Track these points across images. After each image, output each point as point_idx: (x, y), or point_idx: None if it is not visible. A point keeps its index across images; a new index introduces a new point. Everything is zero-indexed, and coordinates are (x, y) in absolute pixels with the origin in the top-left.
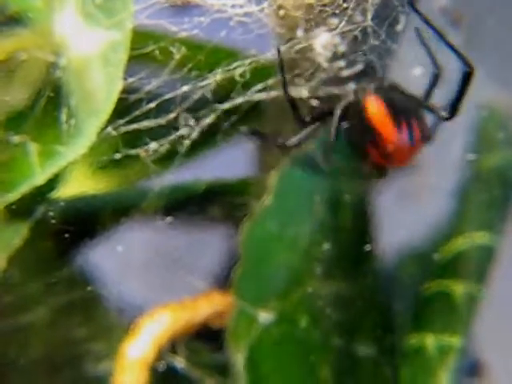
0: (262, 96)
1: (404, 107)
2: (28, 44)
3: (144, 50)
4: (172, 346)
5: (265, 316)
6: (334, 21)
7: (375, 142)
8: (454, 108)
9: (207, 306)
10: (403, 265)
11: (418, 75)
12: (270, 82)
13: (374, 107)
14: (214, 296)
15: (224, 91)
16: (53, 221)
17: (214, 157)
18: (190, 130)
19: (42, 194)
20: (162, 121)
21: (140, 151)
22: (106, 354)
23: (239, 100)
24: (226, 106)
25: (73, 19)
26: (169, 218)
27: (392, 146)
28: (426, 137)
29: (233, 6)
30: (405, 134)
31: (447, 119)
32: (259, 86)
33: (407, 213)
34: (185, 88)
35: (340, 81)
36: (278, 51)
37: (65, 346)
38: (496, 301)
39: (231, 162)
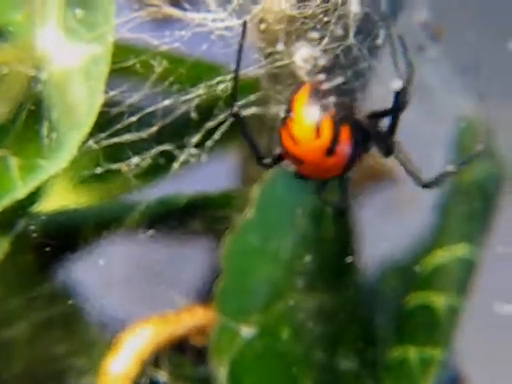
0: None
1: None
2: (9, 58)
3: (125, 63)
4: (155, 359)
5: (247, 330)
6: (315, 34)
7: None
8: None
9: (189, 319)
10: (385, 277)
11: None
12: (252, 97)
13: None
14: (196, 310)
15: (206, 106)
16: (34, 234)
17: (196, 170)
18: (172, 145)
19: (23, 207)
20: (143, 134)
21: (122, 166)
22: (87, 370)
23: (221, 116)
24: (210, 124)
25: (54, 33)
26: (151, 232)
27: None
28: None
29: (214, 20)
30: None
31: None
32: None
33: (389, 226)
34: (166, 102)
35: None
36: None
37: (46, 361)
38: (477, 313)
39: (213, 175)
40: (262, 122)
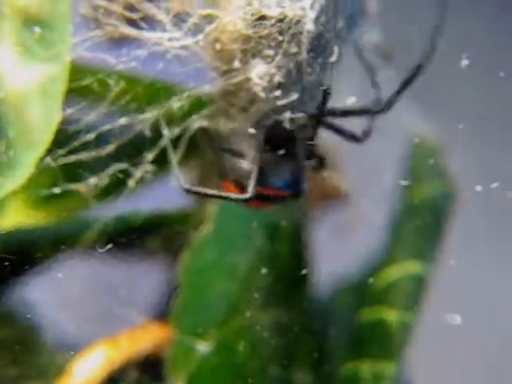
0: (196, 125)
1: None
2: None
3: (82, 82)
4: (112, 377)
5: (203, 345)
6: (270, 52)
7: None
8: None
9: (145, 338)
10: (339, 292)
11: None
12: (204, 112)
13: None
14: (151, 328)
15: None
16: None
17: (152, 187)
18: (128, 162)
19: None
20: (101, 152)
21: (80, 186)
22: None
23: (176, 131)
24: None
25: (10, 52)
26: (108, 249)
27: None
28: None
29: (170, 40)
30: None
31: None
32: (194, 117)
33: (342, 242)
34: (122, 120)
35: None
36: None
37: (2, 381)
38: (428, 328)
39: (169, 192)
40: (211, 135)
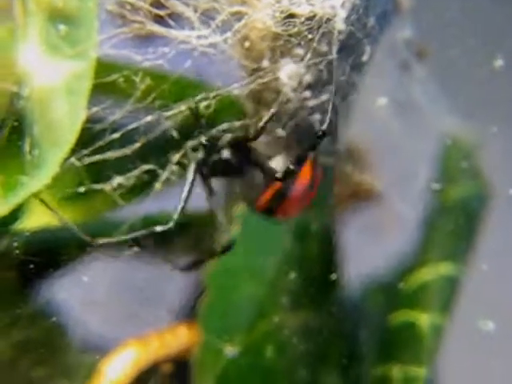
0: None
1: None
2: None
3: (108, 79)
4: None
5: (230, 349)
6: (300, 51)
7: None
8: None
9: (174, 340)
10: (369, 295)
11: (385, 104)
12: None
13: None
14: (180, 330)
15: (188, 124)
16: (17, 252)
17: (180, 187)
18: (154, 163)
19: (4, 225)
20: (126, 151)
21: (105, 186)
22: None
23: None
24: (193, 143)
25: (36, 49)
26: (135, 250)
27: None
28: None
29: (198, 37)
30: None
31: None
32: (225, 126)
33: (373, 243)
34: (148, 118)
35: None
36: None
37: (28, 382)
38: (460, 334)
39: (198, 193)
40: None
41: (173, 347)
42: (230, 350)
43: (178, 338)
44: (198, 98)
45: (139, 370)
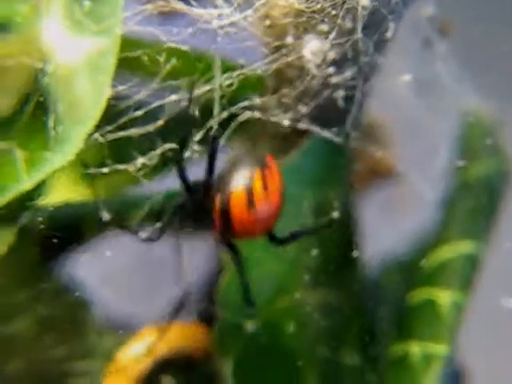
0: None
1: None
2: (15, 50)
3: (132, 55)
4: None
5: (250, 325)
6: (324, 27)
7: None
8: None
9: (192, 336)
10: (389, 272)
11: (407, 82)
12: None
13: None
14: (200, 329)
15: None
16: (41, 226)
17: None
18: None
19: (28, 200)
20: (149, 128)
21: (128, 166)
22: (88, 372)
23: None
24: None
25: (60, 25)
26: (157, 225)
27: None
28: None
29: (219, 16)
30: None
31: None
32: (246, 103)
33: (393, 221)
34: (173, 97)
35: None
36: None
37: (47, 362)
38: (481, 311)
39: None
40: (264, 128)
41: (191, 343)
42: (250, 326)
43: (198, 335)
44: (223, 77)
45: (156, 360)
